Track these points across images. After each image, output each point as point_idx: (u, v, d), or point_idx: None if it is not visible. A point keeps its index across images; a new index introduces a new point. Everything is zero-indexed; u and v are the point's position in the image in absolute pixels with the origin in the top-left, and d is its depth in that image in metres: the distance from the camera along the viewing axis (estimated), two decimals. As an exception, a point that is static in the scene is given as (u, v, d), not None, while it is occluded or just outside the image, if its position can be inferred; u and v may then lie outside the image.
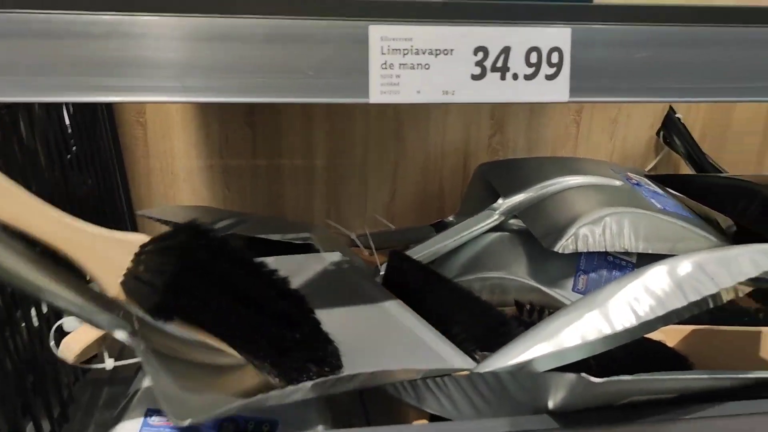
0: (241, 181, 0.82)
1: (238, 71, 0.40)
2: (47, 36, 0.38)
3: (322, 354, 0.44)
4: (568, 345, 0.41)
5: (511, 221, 0.71)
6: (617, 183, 0.72)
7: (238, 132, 0.80)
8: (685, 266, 0.42)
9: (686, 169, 0.86)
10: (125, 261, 0.44)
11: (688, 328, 0.59)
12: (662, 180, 0.76)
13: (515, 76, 0.43)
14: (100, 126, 0.76)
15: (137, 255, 0.44)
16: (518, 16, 0.42)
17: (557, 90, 0.44)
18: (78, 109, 0.73)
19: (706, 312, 0.62)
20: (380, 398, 0.49)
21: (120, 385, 0.58)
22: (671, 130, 0.83)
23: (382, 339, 0.52)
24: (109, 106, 0.76)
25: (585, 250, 0.63)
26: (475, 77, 0.43)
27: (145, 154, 0.80)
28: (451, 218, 0.76)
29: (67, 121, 0.73)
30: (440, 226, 0.74)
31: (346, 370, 0.44)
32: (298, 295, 0.46)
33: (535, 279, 0.65)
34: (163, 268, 0.42)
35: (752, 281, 0.43)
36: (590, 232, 0.63)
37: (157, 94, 0.40)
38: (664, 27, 0.44)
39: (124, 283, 0.43)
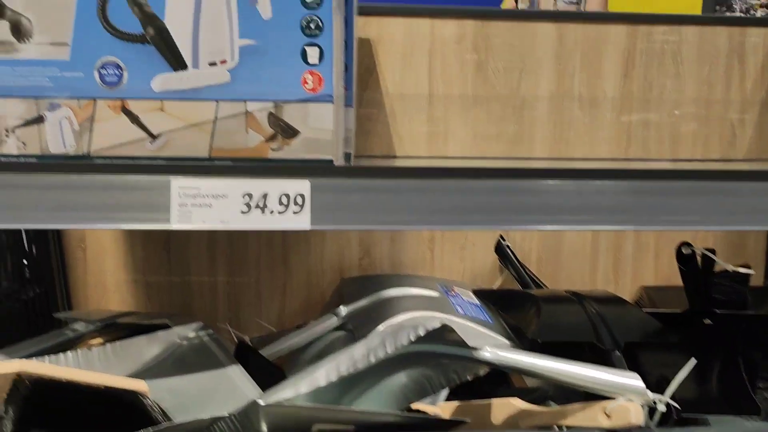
0: (158, 294, 1.04)
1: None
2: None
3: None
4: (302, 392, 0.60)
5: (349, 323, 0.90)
6: (434, 294, 0.91)
7: (156, 255, 1.03)
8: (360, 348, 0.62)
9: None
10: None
11: (455, 403, 0.76)
12: (484, 295, 0.95)
13: (272, 212, 0.65)
14: (50, 249, 1.00)
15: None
16: (273, 173, 0.65)
17: (301, 221, 0.65)
18: (35, 236, 0.97)
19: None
20: None
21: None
22: (501, 254, 1.03)
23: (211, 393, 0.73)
24: (59, 236, 1.00)
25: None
26: (243, 212, 0.64)
27: (84, 272, 1.03)
28: (312, 322, 0.96)
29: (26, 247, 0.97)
30: (300, 328, 0.94)
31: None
32: None
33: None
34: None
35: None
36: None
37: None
38: (369, 180, 0.65)
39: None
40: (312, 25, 0.66)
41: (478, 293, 0.96)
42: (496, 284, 1.08)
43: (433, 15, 1.02)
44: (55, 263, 1.00)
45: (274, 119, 0.67)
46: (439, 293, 0.91)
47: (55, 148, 0.67)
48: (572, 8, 1.06)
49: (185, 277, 1.04)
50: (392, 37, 1.03)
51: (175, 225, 0.64)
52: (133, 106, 0.66)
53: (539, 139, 1.06)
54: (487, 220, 0.63)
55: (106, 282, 1.04)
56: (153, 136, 0.67)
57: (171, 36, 0.65)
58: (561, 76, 1.06)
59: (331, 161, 0.68)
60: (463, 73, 1.04)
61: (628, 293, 1.10)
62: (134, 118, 0.66)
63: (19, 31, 0.65)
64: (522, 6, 1.05)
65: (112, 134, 0.67)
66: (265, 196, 0.65)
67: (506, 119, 1.05)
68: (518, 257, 1.04)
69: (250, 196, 0.64)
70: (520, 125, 1.06)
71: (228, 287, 1.06)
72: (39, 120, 0.66)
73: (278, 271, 1.06)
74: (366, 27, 1.02)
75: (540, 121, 1.06)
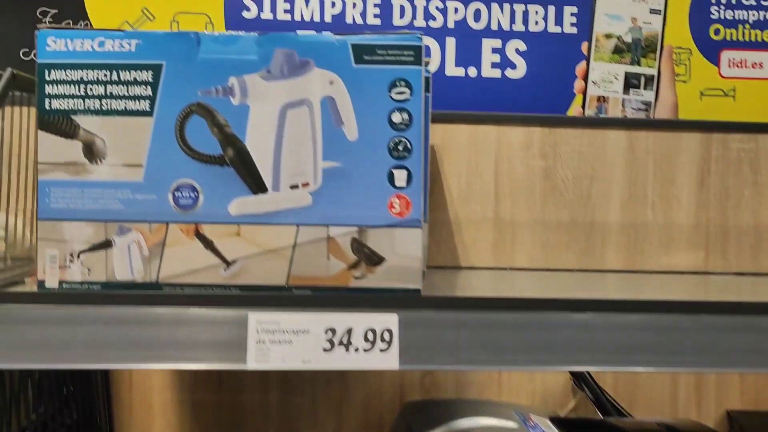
0: (207, 414, 0.97)
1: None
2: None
3: None
4: None
5: (419, 457, 0.82)
6: (513, 425, 0.83)
7: (206, 372, 0.97)
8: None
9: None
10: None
11: None
12: (564, 424, 0.87)
13: (357, 350, 0.59)
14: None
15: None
16: (358, 305, 0.59)
17: (389, 360, 0.59)
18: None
19: None
20: None
21: None
22: (575, 375, 0.96)
23: None
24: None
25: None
26: (326, 350, 0.59)
27: (128, 389, 0.96)
28: (375, 452, 0.88)
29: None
30: (363, 459, 0.86)
31: None
32: None
33: None
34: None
35: None
36: (471, 469, 0.74)
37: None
38: (465, 313, 0.60)
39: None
40: (400, 147, 0.62)
41: (557, 422, 0.88)
42: (569, 406, 1.00)
43: (499, 122, 0.99)
44: (99, 382, 0.94)
45: (358, 245, 0.62)
46: (517, 424, 0.84)
47: (122, 274, 0.62)
48: (641, 115, 1.03)
49: (236, 396, 0.98)
50: (457, 143, 1.00)
51: (252, 365, 0.58)
52: (208, 230, 0.62)
53: (612, 249, 1.00)
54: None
55: (152, 402, 0.97)
56: (227, 263, 0.62)
57: (251, 158, 0.61)
58: (633, 184, 1.01)
59: (418, 291, 0.63)
60: (531, 181, 1.00)
61: (712, 417, 1.01)
62: (208, 244, 0.62)
63: (91, 152, 0.62)
64: (589, 113, 1.02)
65: (183, 260, 0.62)
66: (349, 332, 0.59)
67: (576, 228, 1.00)
68: (594, 377, 0.96)
69: (333, 331, 0.59)
70: (591, 234, 1.00)
71: (281, 407, 0.98)
72: (107, 245, 0.62)
73: (334, 389, 0.99)
74: (431, 133, 0.98)
75: (612, 230, 1.00)
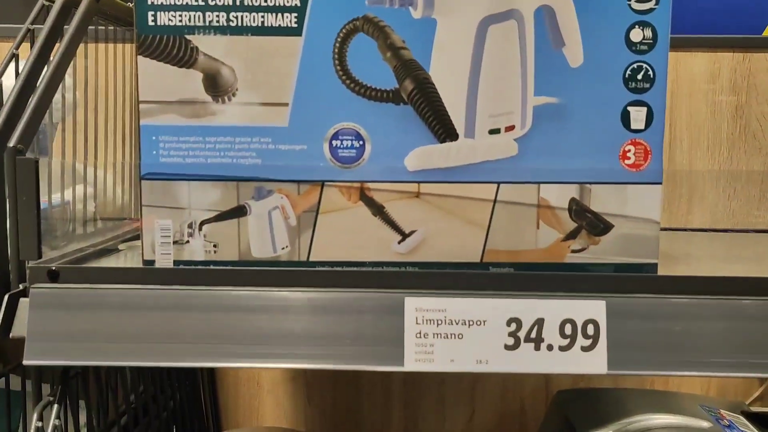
0: (321, 395, 0.84)
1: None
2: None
3: None
4: None
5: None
6: (705, 424, 0.68)
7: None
8: None
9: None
10: None
11: None
12: (760, 418, 0.72)
13: (550, 347, 0.44)
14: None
15: None
16: (550, 288, 0.44)
17: (594, 362, 0.44)
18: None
19: None
20: None
21: None
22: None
23: None
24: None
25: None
26: (508, 347, 0.44)
27: (233, 367, 0.84)
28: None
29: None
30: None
31: None
32: None
33: None
34: None
35: None
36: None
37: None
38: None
39: None
40: (639, 76, 0.45)
41: (751, 417, 0.72)
42: (752, 397, 0.84)
43: (677, 46, 0.80)
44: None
45: (579, 208, 0.46)
46: (710, 423, 0.68)
47: (261, 250, 0.47)
48: None
49: (355, 372, 0.84)
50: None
51: (411, 366, 0.44)
52: (377, 191, 0.46)
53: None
54: None
55: (260, 378, 0.85)
56: (403, 234, 0.47)
57: (437, 92, 0.45)
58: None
59: (654, 266, 0.47)
60: (716, 122, 0.82)
61: None
62: (378, 209, 0.47)
63: (216, 86, 0.46)
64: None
65: (342, 231, 0.47)
66: (539, 324, 0.44)
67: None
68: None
69: (517, 322, 0.44)
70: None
71: (405, 388, 0.85)
72: (239, 212, 0.47)
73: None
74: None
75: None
